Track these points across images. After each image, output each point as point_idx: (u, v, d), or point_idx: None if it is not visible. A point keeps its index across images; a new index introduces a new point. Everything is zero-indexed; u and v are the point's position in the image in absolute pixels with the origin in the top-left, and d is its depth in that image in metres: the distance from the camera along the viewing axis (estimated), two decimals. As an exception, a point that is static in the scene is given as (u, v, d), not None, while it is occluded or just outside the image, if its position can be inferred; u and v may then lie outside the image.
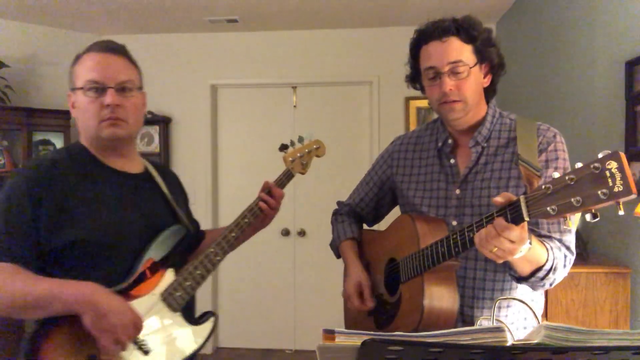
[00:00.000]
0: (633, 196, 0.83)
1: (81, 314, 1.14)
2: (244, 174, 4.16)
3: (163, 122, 4.10)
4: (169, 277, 1.33)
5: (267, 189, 1.53)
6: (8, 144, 3.58)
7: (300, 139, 1.64)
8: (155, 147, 4.11)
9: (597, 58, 2.33)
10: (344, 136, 4.12)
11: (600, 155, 0.86)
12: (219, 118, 4.27)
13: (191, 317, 1.37)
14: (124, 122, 1.31)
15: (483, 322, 1.21)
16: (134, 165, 1.41)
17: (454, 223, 1.34)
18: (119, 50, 1.35)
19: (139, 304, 1.25)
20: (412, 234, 1.29)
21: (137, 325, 1.20)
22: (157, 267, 1.31)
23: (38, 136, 3.67)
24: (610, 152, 0.85)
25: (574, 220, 1.17)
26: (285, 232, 4.18)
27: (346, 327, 1.67)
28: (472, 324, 1.32)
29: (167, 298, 1.31)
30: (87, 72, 1.29)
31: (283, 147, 1.62)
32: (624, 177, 0.83)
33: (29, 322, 1.24)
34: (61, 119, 3.66)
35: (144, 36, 4.17)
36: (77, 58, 1.35)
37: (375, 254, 1.52)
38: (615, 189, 0.84)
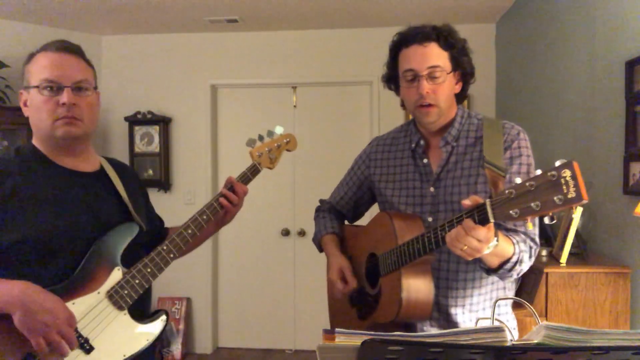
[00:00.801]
0: (584, 202, 0.92)
1: (12, 314, 1.13)
2: (244, 174, 4.15)
3: (163, 122, 4.10)
4: (116, 275, 1.31)
5: (229, 185, 1.51)
6: (8, 144, 3.58)
7: (270, 133, 1.63)
8: (155, 147, 4.11)
9: (597, 58, 2.33)
10: (344, 136, 4.13)
11: (556, 164, 0.95)
12: (219, 118, 4.27)
13: (141, 315, 1.35)
14: (80, 121, 1.30)
15: (482, 322, 1.21)
16: (88, 164, 1.40)
17: (430, 219, 1.43)
18: (75, 50, 1.35)
19: (82, 303, 1.24)
20: (390, 230, 1.38)
21: (71, 323, 1.19)
22: (103, 265, 1.30)
23: (38, 136, 3.67)
24: (565, 161, 0.94)
25: (535, 222, 1.30)
26: (285, 232, 4.18)
27: (330, 319, 1.76)
28: (447, 312, 1.42)
29: (113, 296, 1.29)
30: (42, 70, 1.28)
31: (250, 142, 1.61)
32: (576, 185, 0.92)
33: None
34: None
35: (144, 36, 4.17)
36: (31, 56, 1.33)
37: (356, 248, 1.59)
38: (569, 196, 0.93)
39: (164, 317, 1.36)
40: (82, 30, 4.04)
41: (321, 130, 4.16)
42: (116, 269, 1.31)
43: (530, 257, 1.32)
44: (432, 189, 1.44)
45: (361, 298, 1.54)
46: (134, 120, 4.09)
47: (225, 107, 4.27)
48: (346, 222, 1.78)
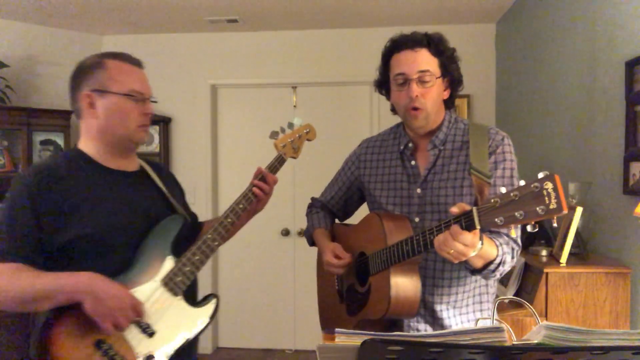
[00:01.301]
0: (564, 212, 0.99)
1: (82, 302, 1.23)
2: (244, 173, 4.13)
3: (163, 122, 4.10)
4: (168, 264, 1.41)
5: (260, 175, 1.60)
6: (8, 144, 3.58)
7: (290, 125, 1.72)
8: (155, 146, 4.11)
9: (597, 58, 2.33)
10: (344, 136, 4.12)
11: (539, 176, 1.01)
12: (219, 118, 4.27)
13: (194, 300, 1.45)
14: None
15: (482, 322, 1.22)
16: (130, 165, 1.51)
17: (417, 220, 1.49)
18: (143, 66, 1.51)
19: (141, 291, 1.34)
20: (380, 231, 1.44)
21: (136, 309, 1.29)
22: (156, 256, 1.41)
23: (38, 136, 3.67)
24: (548, 173, 1.00)
25: (517, 230, 1.36)
26: (285, 232, 4.18)
27: (320, 314, 1.82)
28: (433, 309, 1.48)
29: (168, 283, 1.39)
30: (132, 81, 1.42)
31: (273, 134, 1.69)
32: (557, 197, 0.98)
33: (38, 317, 1.32)
34: (61, 119, 3.66)
35: (143, 36, 4.17)
36: (102, 63, 1.42)
37: (346, 248, 1.61)
38: (551, 207, 0.99)
39: (215, 300, 1.45)
40: (82, 30, 4.04)
41: (321, 130, 4.12)
42: (168, 258, 1.42)
43: (512, 257, 1.38)
44: (419, 190, 1.50)
45: (350, 295, 1.60)
46: (134, 120, 4.08)
47: (225, 107, 4.27)
48: (337, 221, 1.84)
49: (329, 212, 1.82)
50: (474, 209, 1.13)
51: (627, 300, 1.99)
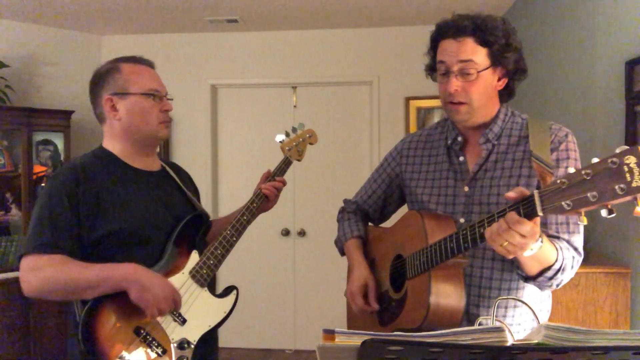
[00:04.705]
0: None
1: (128, 290, 1.33)
2: (244, 173, 4.15)
3: (163, 122, 4.10)
4: (194, 257, 1.52)
5: (270, 177, 1.72)
6: (8, 144, 3.58)
7: (294, 130, 1.84)
8: (155, 147, 4.11)
9: (597, 58, 2.33)
10: (344, 136, 4.12)
11: (617, 150, 0.85)
12: (219, 118, 4.27)
13: (216, 291, 1.56)
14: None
15: (483, 322, 1.21)
16: (153, 164, 1.61)
17: (462, 220, 1.33)
18: (154, 66, 1.59)
19: (172, 282, 1.43)
20: (420, 230, 1.28)
21: (176, 298, 1.40)
22: (183, 250, 1.51)
23: (38, 136, 3.66)
24: (627, 147, 0.84)
25: (580, 229, 1.21)
26: (285, 232, 4.18)
27: (348, 324, 1.67)
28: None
29: (195, 275, 1.49)
30: (148, 81, 1.51)
31: (280, 138, 1.81)
32: None
33: (76, 305, 1.41)
34: (61, 119, 3.66)
35: (144, 36, 4.17)
36: (117, 67, 1.50)
37: (381, 250, 1.51)
38: (634, 184, 0.83)
39: (235, 291, 1.59)
40: (82, 30, 4.04)
41: (321, 130, 4.12)
42: (194, 252, 1.53)
43: (572, 267, 1.22)
44: (466, 189, 1.35)
45: (383, 303, 1.43)
46: (134, 120, 4.09)
47: (225, 107, 4.27)
48: (370, 224, 1.68)
49: (363, 215, 1.65)
50: (536, 192, 0.97)
51: (627, 300, 1.99)
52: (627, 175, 0.83)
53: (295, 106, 4.19)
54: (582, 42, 2.48)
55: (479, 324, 1.07)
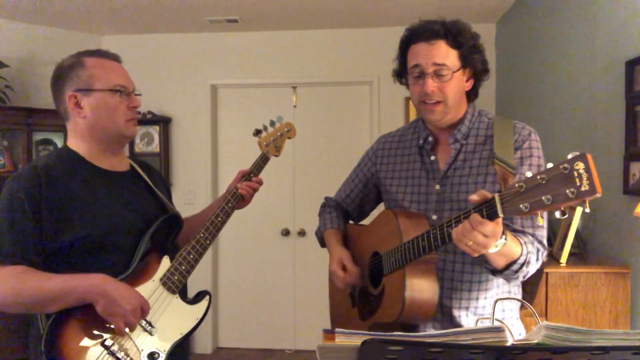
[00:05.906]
0: (598, 195, 0.90)
1: (94, 303, 1.25)
2: (244, 174, 4.15)
3: (163, 122, 4.10)
4: (165, 263, 1.44)
5: (245, 177, 1.67)
6: (8, 144, 3.58)
7: (272, 123, 1.74)
8: (155, 147, 4.11)
9: (597, 58, 2.33)
10: (344, 136, 4.13)
11: (569, 157, 0.92)
12: (219, 118, 4.27)
13: (186, 297, 1.48)
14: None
15: (483, 322, 1.21)
16: (121, 164, 1.51)
17: (434, 217, 1.41)
18: (120, 60, 1.49)
19: (141, 290, 1.35)
20: (395, 228, 1.36)
21: (145, 308, 1.32)
22: (154, 255, 1.43)
23: (38, 136, 3.67)
24: (578, 153, 0.92)
25: (544, 223, 1.28)
26: (285, 232, 4.18)
27: (331, 320, 1.74)
28: (450, 314, 1.39)
29: (166, 283, 1.41)
30: (115, 77, 1.42)
31: (257, 132, 1.72)
32: (590, 177, 0.90)
33: (36, 318, 1.32)
34: (61, 118, 3.65)
35: (144, 36, 4.17)
36: (80, 62, 1.41)
37: (359, 248, 1.56)
38: (582, 188, 0.90)
39: (207, 297, 1.50)
40: (82, 30, 4.04)
41: (321, 130, 4.15)
42: (165, 257, 1.44)
43: (537, 259, 1.30)
44: (437, 187, 1.42)
45: (363, 298, 1.52)
46: (134, 120, 4.09)
47: (225, 107, 4.27)
48: (350, 222, 1.75)
49: (343, 212, 1.73)
50: (496, 196, 1.05)
51: (627, 300, 1.99)
52: (577, 180, 0.91)
53: (295, 106, 4.19)
54: (582, 42, 2.48)
55: (479, 324, 1.07)
